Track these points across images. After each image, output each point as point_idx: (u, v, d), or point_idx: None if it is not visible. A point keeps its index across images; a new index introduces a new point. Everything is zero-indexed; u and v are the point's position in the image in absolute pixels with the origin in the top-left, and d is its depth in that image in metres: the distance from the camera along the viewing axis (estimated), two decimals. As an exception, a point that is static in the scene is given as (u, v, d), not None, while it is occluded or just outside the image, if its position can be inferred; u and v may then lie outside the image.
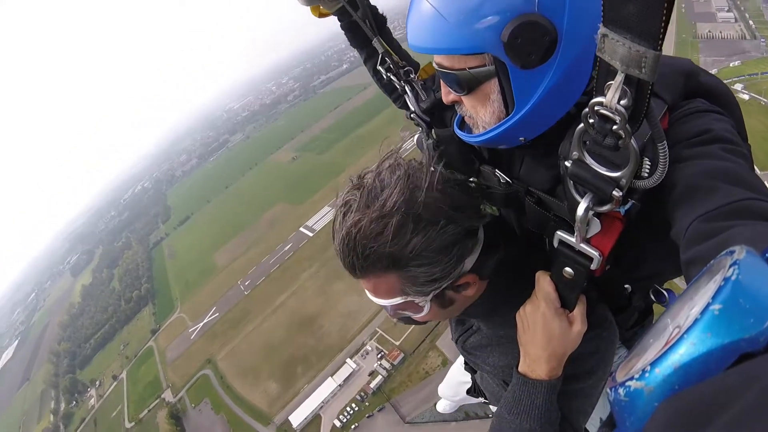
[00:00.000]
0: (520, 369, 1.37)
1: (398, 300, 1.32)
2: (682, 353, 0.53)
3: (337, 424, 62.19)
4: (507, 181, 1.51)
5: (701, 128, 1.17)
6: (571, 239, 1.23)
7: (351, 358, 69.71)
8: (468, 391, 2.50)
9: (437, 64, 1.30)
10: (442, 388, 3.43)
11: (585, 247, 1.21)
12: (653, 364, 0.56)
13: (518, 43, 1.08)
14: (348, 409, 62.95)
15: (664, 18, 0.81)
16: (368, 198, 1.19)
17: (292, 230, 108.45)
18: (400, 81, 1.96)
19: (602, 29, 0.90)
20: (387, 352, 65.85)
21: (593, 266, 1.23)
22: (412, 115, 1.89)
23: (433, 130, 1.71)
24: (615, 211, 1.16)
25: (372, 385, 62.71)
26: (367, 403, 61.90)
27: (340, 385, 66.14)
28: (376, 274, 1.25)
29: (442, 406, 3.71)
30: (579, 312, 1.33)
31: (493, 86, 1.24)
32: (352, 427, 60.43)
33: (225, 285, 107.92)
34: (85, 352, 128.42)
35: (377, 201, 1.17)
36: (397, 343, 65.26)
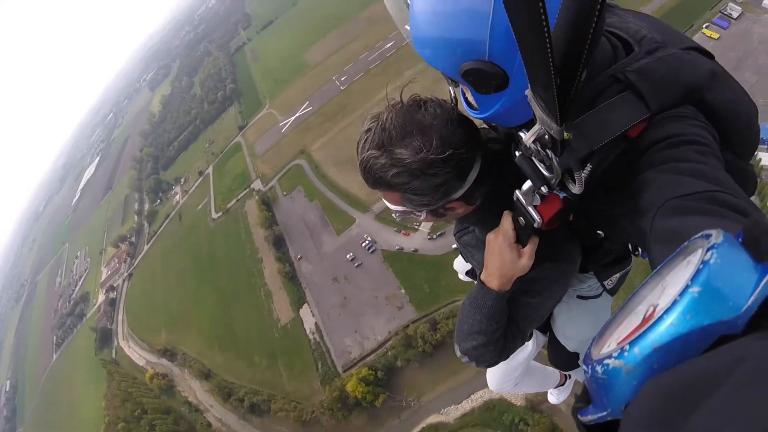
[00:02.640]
0: (481, 276, 1.72)
1: (400, 208, 1.69)
2: (662, 333, 0.54)
3: (440, 218, 56.97)
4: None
5: (673, 132, 1.29)
6: (523, 200, 1.48)
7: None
8: (467, 272, 2.82)
9: None
10: (456, 263, 3.31)
11: (531, 210, 1.46)
12: (632, 343, 0.56)
13: (470, 79, 1.35)
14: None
15: (558, 109, 1.00)
16: (383, 136, 1.46)
17: (395, 28, 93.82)
18: None
19: (528, 91, 1.12)
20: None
21: (536, 225, 1.48)
22: None
23: None
24: (554, 193, 1.43)
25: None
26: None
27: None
28: (384, 190, 1.59)
29: (462, 278, 3.37)
30: (528, 250, 1.61)
31: (467, 88, 1.50)
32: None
33: (318, 80, 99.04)
34: (168, 154, 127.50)
35: (392, 149, 1.45)
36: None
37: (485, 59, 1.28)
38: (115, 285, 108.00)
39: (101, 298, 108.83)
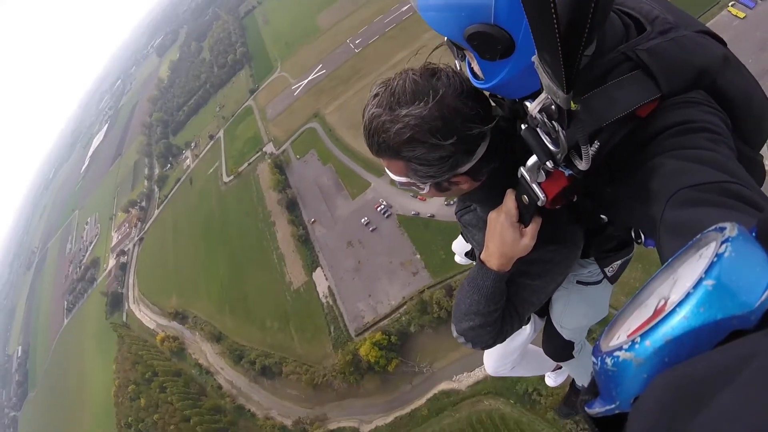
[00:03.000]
0: (481, 256, 1.67)
1: (404, 179, 1.61)
2: (674, 326, 0.53)
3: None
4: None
5: (684, 118, 1.26)
6: (527, 177, 1.44)
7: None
8: (466, 253, 2.86)
9: None
10: (455, 244, 3.33)
11: (535, 187, 1.42)
12: (643, 335, 0.55)
13: (475, 44, 1.30)
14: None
15: (564, 75, 0.98)
16: (391, 99, 1.39)
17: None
18: None
19: (535, 57, 1.08)
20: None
21: (540, 204, 1.43)
22: None
23: None
24: (559, 170, 1.38)
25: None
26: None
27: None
28: (388, 157, 1.51)
29: (459, 259, 3.41)
30: (531, 230, 1.56)
31: (473, 56, 1.44)
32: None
33: (332, 44, 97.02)
34: (178, 118, 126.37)
35: (397, 109, 1.38)
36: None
37: (491, 22, 1.25)
38: (125, 249, 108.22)
39: (112, 262, 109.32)
